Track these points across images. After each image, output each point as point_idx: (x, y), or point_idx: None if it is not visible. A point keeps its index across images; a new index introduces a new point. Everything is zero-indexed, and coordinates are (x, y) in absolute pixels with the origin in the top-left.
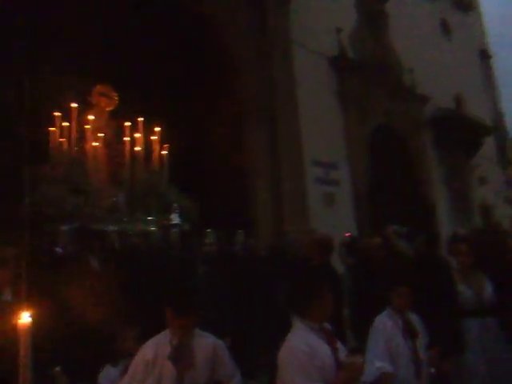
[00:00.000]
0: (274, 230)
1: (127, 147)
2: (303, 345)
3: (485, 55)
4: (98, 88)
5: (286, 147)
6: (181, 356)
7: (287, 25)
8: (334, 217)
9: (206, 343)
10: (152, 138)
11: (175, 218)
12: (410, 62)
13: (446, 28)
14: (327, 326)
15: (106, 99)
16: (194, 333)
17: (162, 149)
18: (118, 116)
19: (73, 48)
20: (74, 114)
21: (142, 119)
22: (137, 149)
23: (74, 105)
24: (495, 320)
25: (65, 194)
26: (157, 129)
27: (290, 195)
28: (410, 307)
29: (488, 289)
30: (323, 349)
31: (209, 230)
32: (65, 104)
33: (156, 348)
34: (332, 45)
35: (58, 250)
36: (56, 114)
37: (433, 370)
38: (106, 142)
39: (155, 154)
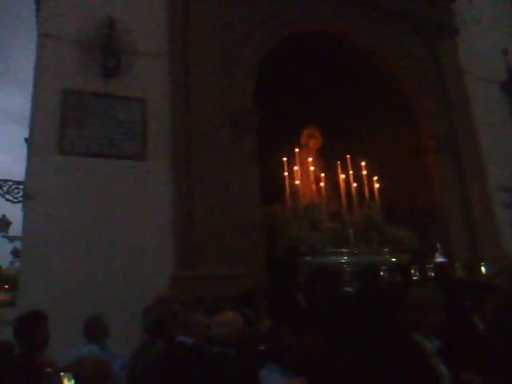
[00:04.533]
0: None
1: (342, 184)
2: None
3: None
4: (307, 130)
5: (472, 175)
6: None
7: (457, 54)
8: None
9: None
10: (363, 172)
11: (439, 257)
12: None
13: None
14: None
15: (314, 140)
16: None
17: (372, 182)
18: (323, 154)
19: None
20: (298, 158)
21: (349, 156)
22: (354, 185)
23: (296, 149)
24: None
25: (309, 232)
26: (363, 163)
27: (480, 222)
28: None
29: None
30: None
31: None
32: (288, 150)
33: None
34: (501, 68)
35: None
36: (284, 159)
37: None
38: (316, 179)
39: (366, 188)
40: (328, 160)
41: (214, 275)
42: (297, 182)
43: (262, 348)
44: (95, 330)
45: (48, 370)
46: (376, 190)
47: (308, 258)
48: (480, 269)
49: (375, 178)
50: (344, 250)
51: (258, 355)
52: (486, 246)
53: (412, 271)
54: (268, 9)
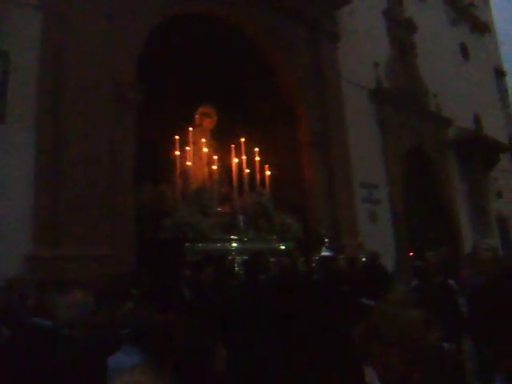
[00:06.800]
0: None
1: (234, 168)
2: None
3: (500, 73)
4: (202, 109)
5: (340, 171)
6: None
7: (336, 59)
8: (377, 232)
9: None
10: (256, 158)
11: (326, 251)
12: (434, 86)
13: (464, 51)
14: None
15: (209, 119)
16: None
17: (263, 169)
18: (217, 136)
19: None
20: (191, 137)
21: (243, 140)
22: (246, 170)
23: (190, 128)
24: None
25: (199, 217)
26: (256, 149)
27: (344, 214)
28: None
29: None
30: None
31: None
32: (182, 127)
33: None
34: (371, 77)
35: None
36: (176, 137)
37: None
38: (209, 161)
39: (258, 175)
40: (222, 142)
41: (78, 255)
42: (188, 163)
43: (126, 331)
44: None
45: None
46: (267, 177)
47: (196, 245)
48: (359, 260)
49: (267, 165)
50: (233, 236)
51: (117, 338)
52: (347, 235)
53: (300, 263)
54: None
